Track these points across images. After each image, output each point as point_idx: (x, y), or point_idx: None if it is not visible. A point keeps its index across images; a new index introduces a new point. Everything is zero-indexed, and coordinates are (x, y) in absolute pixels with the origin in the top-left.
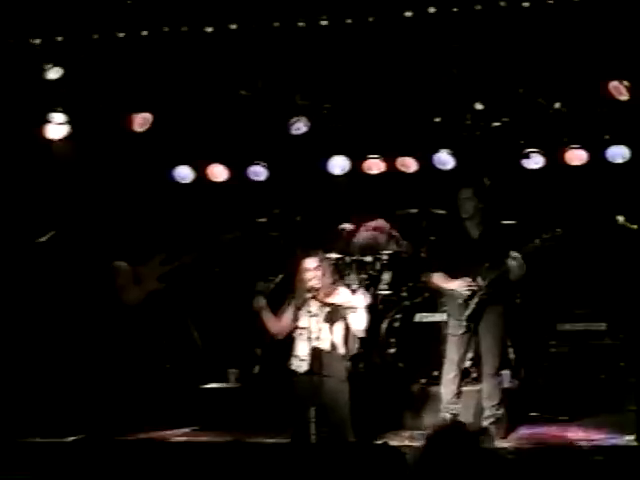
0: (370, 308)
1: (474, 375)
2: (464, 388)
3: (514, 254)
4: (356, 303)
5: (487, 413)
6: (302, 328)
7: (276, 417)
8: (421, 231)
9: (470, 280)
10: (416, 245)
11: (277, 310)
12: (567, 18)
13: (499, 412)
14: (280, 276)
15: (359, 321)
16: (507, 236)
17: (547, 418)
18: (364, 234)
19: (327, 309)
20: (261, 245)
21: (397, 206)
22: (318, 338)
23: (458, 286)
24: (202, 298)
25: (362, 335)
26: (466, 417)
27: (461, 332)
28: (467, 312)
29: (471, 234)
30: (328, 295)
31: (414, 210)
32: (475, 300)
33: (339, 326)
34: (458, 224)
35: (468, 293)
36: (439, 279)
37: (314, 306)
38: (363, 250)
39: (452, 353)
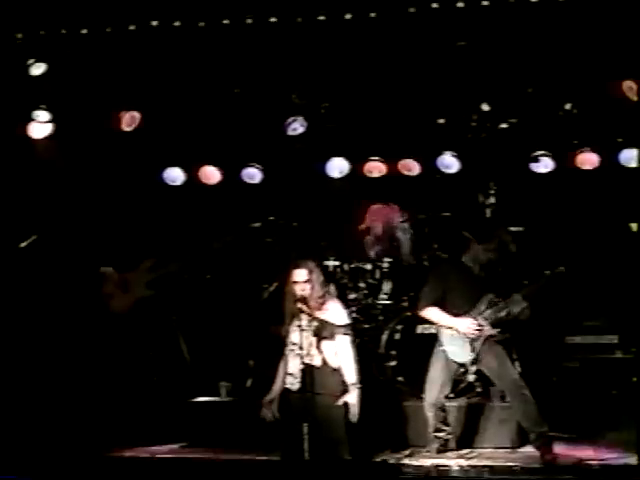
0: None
1: (479, 390)
2: (470, 401)
3: (517, 297)
4: (343, 322)
5: (532, 436)
6: (293, 344)
7: (269, 433)
8: (424, 238)
9: (473, 320)
10: (418, 252)
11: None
12: (578, 14)
13: (542, 428)
14: (275, 284)
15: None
16: (508, 273)
17: (555, 436)
18: (378, 227)
19: (315, 323)
20: (255, 251)
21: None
22: (308, 354)
23: (462, 327)
24: (193, 306)
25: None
26: (456, 437)
27: (454, 360)
28: (472, 355)
29: (472, 269)
30: (317, 308)
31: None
32: (480, 342)
33: (329, 342)
34: (456, 258)
35: (473, 335)
36: (436, 315)
37: (304, 320)
38: (380, 243)
39: (438, 387)
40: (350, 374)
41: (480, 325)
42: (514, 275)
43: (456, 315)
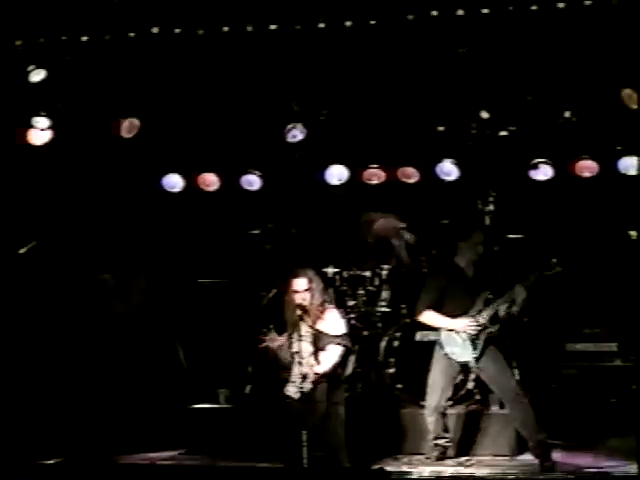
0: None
1: (477, 397)
2: (469, 409)
3: (519, 288)
4: (340, 331)
5: (531, 444)
6: (294, 352)
7: (269, 440)
8: (423, 245)
9: (472, 319)
10: (417, 258)
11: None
12: (578, 22)
13: (540, 436)
14: (273, 291)
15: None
16: (501, 272)
17: (554, 444)
18: (381, 222)
19: (314, 333)
20: (254, 258)
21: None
22: (308, 363)
23: (460, 326)
24: (191, 313)
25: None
26: (455, 445)
27: (457, 361)
28: (476, 353)
29: (465, 272)
30: (317, 317)
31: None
32: (482, 340)
33: (327, 350)
34: (449, 260)
35: (474, 333)
36: (434, 318)
37: (304, 329)
38: (378, 239)
39: (439, 391)
40: (321, 366)
41: (479, 323)
42: (508, 274)
43: (454, 317)
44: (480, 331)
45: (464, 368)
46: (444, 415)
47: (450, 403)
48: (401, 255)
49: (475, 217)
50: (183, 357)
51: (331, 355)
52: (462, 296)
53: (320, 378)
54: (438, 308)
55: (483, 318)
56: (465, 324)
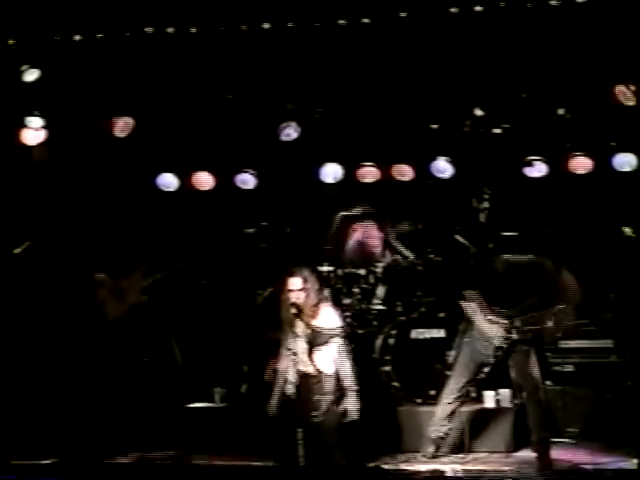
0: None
1: (473, 395)
2: (463, 408)
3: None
4: (335, 325)
5: (534, 438)
6: (288, 350)
7: (264, 439)
8: (419, 243)
9: (507, 328)
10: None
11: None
12: (571, 19)
13: (545, 434)
14: (269, 290)
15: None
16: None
17: (556, 441)
18: (353, 244)
19: (309, 331)
20: (249, 257)
21: (393, 216)
22: (302, 361)
23: (492, 334)
24: (187, 312)
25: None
26: (454, 438)
27: (477, 361)
28: (492, 359)
29: (517, 272)
30: (311, 316)
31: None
32: (504, 351)
33: (323, 349)
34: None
35: (503, 344)
36: (474, 312)
37: (299, 327)
38: (352, 261)
39: (458, 377)
40: (346, 378)
41: (511, 331)
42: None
43: (495, 310)
44: (507, 344)
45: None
46: (451, 403)
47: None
48: (401, 251)
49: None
50: (179, 356)
51: (340, 354)
52: (509, 295)
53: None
54: (484, 297)
55: (516, 331)
56: (496, 334)
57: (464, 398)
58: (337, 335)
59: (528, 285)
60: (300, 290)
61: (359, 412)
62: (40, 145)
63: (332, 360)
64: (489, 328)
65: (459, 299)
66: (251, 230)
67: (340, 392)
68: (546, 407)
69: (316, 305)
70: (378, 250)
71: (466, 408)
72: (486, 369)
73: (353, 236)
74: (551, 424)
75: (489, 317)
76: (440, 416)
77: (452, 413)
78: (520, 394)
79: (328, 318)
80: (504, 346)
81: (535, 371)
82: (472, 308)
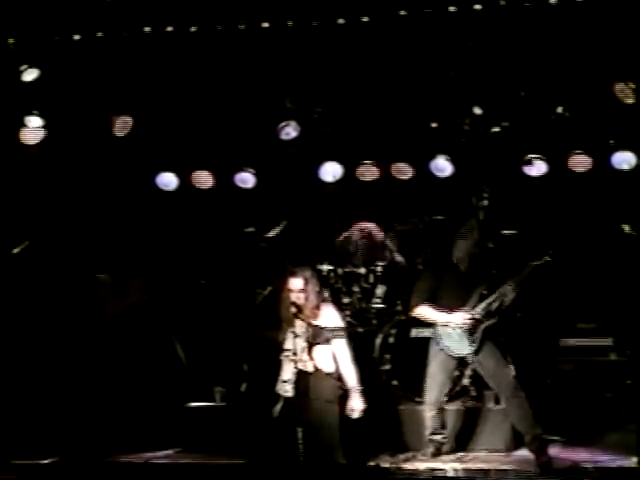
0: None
1: (473, 393)
2: (465, 405)
3: (508, 286)
4: (337, 324)
5: (527, 439)
6: (287, 350)
7: (265, 438)
8: (418, 241)
9: (467, 312)
10: (412, 256)
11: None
12: (570, 17)
13: (537, 431)
14: (269, 289)
15: (341, 352)
16: (494, 266)
17: (550, 439)
18: (357, 241)
19: (310, 330)
20: (249, 256)
21: (392, 214)
22: (302, 360)
23: (457, 319)
24: (187, 311)
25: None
26: (451, 441)
27: (454, 355)
28: (474, 346)
29: (459, 267)
30: (312, 316)
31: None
32: (479, 335)
33: (323, 347)
34: (443, 254)
35: (470, 327)
36: (429, 312)
37: (298, 326)
38: (356, 257)
39: (438, 386)
40: (350, 378)
41: (474, 317)
42: (502, 269)
43: (449, 311)
44: (476, 325)
45: (460, 363)
46: (442, 410)
47: (447, 398)
48: (393, 254)
49: (468, 212)
50: (183, 355)
51: (343, 354)
52: (457, 291)
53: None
54: (433, 302)
55: (478, 313)
56: (461, 318)
57: (446, 403)
58: (338, 334)
59: (470, 279)
60: (300, 291)
61: (363, 412)
62: (39, 144)
63: (332, 359)
64: (452, 317)
65: (409, 310)
66: (251, 229)
67: (342, 391)
68: (527, 405)
69: (317, 307)
70: (379, 249)
71: (466, 407)
72: (468, 372)
73: (355, 235)
74: (537, 420)
75: (446, 310)
76: (434, 427)
77: (443, 421)
78: (499, 399)
79: (329, 317)
80: (474, 329)
81: (508, 372)
82: (427, 310)
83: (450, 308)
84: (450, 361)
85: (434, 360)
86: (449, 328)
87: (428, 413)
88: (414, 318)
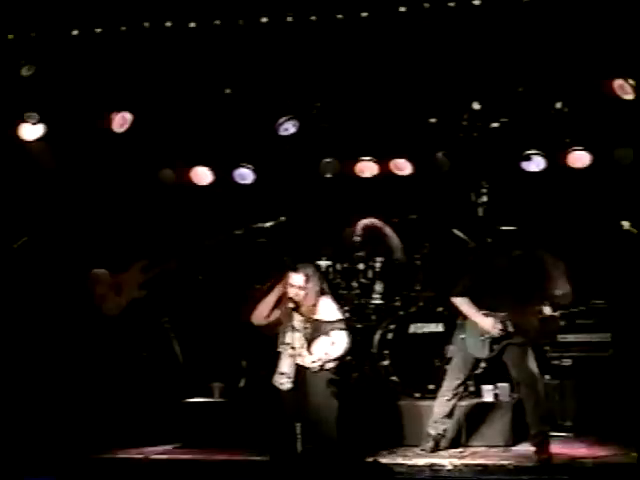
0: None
1: (472, 389)
2: (462, 403)
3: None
4: (336, 317)
5: (532, 432)
6: (286, 344)
7: (263, 433)
8: (417, 238)
9: (501, 321)
10: (411, 252)
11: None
12: (569, 12)
13: (544, 427)
14: (267, 284)
15: (339, 344)
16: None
17: (554, 436)
18: (358, 237)
19: (309, 324)
20: (247, 252)
21: (391, 210)
22: (301, 355)
23: (488, 326)
24: (185, 307)
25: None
26: (453, 433)
27: (472, 358)
28: (489, 355)
29: (505, 269)
30: (311, 311)
31: (412, 216)
32: (501, 345)
33: (322, 341)
34: (493, 254)
35: (497, 336)
36: (467, 306)
37: (297, 321)
38: (355, 253)
39: (455, 375)
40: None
41: (506, 329)
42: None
43: (485, 312)
44: (503, 337)
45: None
46: (451, 400)
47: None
48: (394, 248)
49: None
50: (179, 351)
51: (340, 339)
52: (499, 296)
53: (327, 362)
54: (474, 297)
55: (512, 326)
56: (493, 325)
57: (462, 395)
58: (336, 326)
59: (522, 279)
60: (300, 288)
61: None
62: (38, 140)
63: (333, 344)
64: (484, 321)
65: (450, 294)
66: (254, 226)
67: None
68: (544, 401)
69: (314, 304)
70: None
71: (465, 402)
72: (483, 364)
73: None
74: (549, 418)
75: (483, 311)
76: (438, 414)
77: (451, 411)
78: (518, 388)
79: (327, 310)
80: (500, 339)
81: (532, 365)
82: (464, 302)
83: (489, 308)
84: (471, 357)
85: (460, 351)
86: (477, 327)
87: (441, 397)
88: (413, 313)
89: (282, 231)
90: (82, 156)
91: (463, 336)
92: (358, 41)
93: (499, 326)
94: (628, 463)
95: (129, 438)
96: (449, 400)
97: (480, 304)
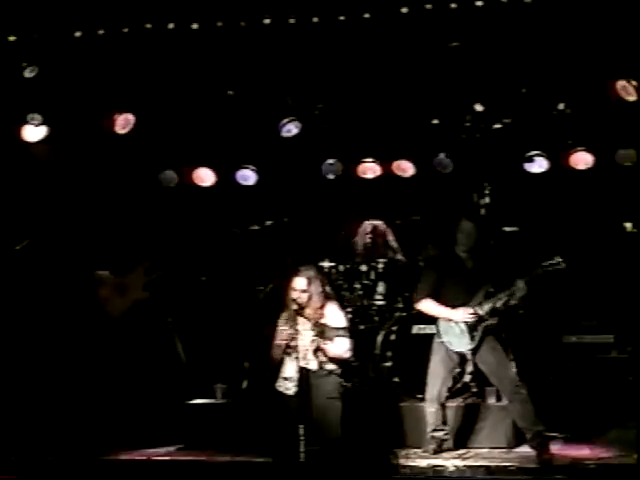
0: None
1: (474, 390)
2: (466, 401)
3: (520, 283)
4: (341, 324)
5: (529, 436)
6: (290, 347)
7: (266, 435)
8: (419, 239)
9: (470, 310)
10: (414, 253)
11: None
12: (572, 13)
13: (539, 428)
14: (270, 286)
15: (339, 346)
16: (501, 265)
17: (552, 436)
18: (362, 238)
19: (314, 328)
20: (250, 253)
21: (394, 212)
22: (305, 358)
23: (458, 316)
24: (188, 309)
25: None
26: (452, 437)
27: (453, 351)
28: (473, 344)
29: (465, 263)
30: (316, 315)
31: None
32: (480, 331)
33: (326, 345)
34: (450, 250)
35: (472, 324)
36: (433, 307)
37: (301, 324)
38: (360, 255)
39: (438, 370)
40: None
41: (478, 315)
42: (509, 267)
43: (453, 307)
44: (478, 323)
45: (462, 360)
46: (444, 406)
47: (448, 394)
48: (395, 250)
49: (468, 209)
50: (182, 352)
51: (341, 346)
52: (461, 287)
53: (330, 361)
54: (437, 298)
55: (483, 310)
56: (463, 315)
57: (448, 400)
58: (341, 334)
59: (476, 275)
60: (302, 291)
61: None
62: (40, 142)
63: (335, 356)
64: (454, 314)
65: (413, 303)
66: (256, 227)
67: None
68: (529, 402)
69: (320, 307)
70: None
71: (467, 403)
72: (469, 368)
73: (358, 232)
74: (540, 417)
75: (449, 306)
76: (433, 422)
77: (444, 417)
78: (501, 396)
79: (333, 316)
80: (475, 325)
81: (510, 369)
82: (429, 305)
83: (454, 304)
84: (451, 357)
85: (435, 356)
86: (451, 323)
87: (429, 409)
88: (415, 314)
89: (284, 233)
90: (85, 157)
91: (441, 340)
92: (360, 43)
93: (470, 311)
94: (629, 464)
95: (132, 439)
96: (438, 409)
97: (443, 302)
